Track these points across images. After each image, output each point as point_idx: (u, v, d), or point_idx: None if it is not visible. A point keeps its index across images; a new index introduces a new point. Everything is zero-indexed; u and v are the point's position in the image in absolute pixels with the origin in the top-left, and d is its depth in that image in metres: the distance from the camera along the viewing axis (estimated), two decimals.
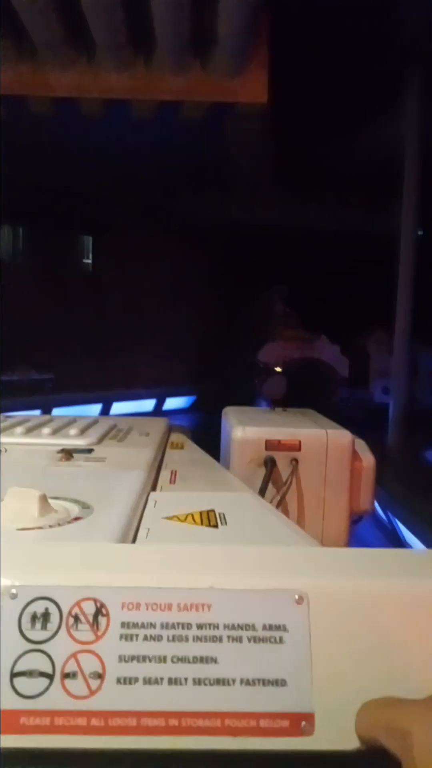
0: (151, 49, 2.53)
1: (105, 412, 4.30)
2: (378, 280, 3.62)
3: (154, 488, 0.62)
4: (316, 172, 4.32)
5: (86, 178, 4.28)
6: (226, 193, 4.64)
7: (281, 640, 0.33)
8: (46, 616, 0.32)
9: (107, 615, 0.32)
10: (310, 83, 3.08)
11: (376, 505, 2.33)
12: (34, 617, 0.32)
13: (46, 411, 3.76)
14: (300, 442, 0.80)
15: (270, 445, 0.80)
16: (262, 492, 0.76)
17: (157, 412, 4.75)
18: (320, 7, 2.64)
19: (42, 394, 4.10)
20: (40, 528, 0.42)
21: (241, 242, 4.88)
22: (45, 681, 0.31)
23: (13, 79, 2.52)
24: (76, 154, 3.68)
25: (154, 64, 2.57)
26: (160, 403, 4.85)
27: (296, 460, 0.81)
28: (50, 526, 0.43)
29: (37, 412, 3.84)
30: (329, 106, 3.38)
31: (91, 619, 0.32)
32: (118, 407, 4.40)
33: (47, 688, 0.31)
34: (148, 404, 4.75)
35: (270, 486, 0.79)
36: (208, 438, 0.97)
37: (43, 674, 0.31)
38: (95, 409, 4.25)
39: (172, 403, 4.93)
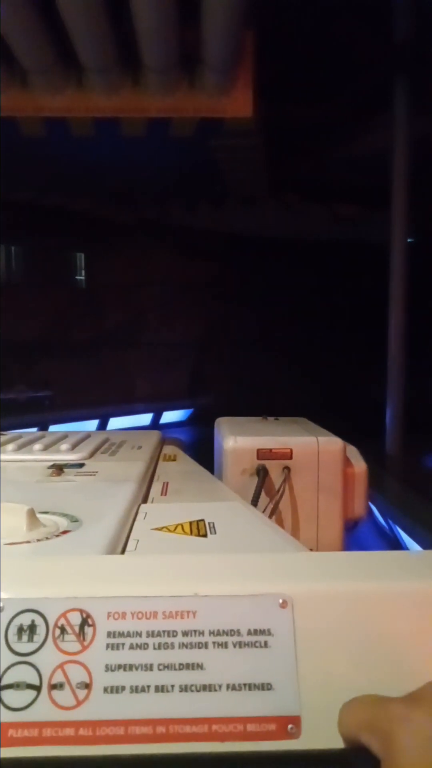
0: (139, 69, 2.58)
1: (102, 427, 4.30)
2: (371, 287, 3.64)
3: (145, 500, 0.62)
4: (306, 183, 4.37)
5: (79, 196, 4.32)
6: (218, 206, 4.68)
7: (266, 645, 0.33)
8: (32, 628, 0.32)
9: (93, 625, 0.33)
10: (297, 95, 3.13)
11: (376, 512, 2.32)
12: (20, 629, 0.32)
13: (44, 428, 3.76)
14: (291, 450, 0.81)
15: (262, 454, 0.81)
16: (254, 501, 0.76)
17: (155, 426, 4.75)
18: (306, 18, 2.69)
19: (39, 411, 4.10)
20: (27, 542, 0.43)
21: (235, 254, 4.91)
22: (32, 693, 0.31)
23: (4, 103, 2.56)
24: (67, 173, 3.72)
25: (141, 84, 2.61)
26: (157, 417, 4.84)
27: (288, 468, 0.81)
28: (38, 540, 0.43)
29: (34, 430, 3.82)
30: (317, 116, 3.43)
31: (77, 629, 0.32)
32: (116, 422, 4.39)
33: (35, 700, 0.31)
34: (146, 418, 4.75)
35: (263, 495, 0.80)
36: (204, 450, 0.98)
37: (30, 686, 0.31)
38: (92, 425, 4.25)
39: (169, 416, 4.93)
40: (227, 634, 0.33)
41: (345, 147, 3.73)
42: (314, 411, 1.12)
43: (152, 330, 4.94)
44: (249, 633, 0.33)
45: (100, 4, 2.20)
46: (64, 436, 0.86)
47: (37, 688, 0.31)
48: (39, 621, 0.33)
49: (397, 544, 2.28)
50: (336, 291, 5.02)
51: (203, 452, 0.96)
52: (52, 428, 3.89)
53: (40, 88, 2.60)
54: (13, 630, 0.32)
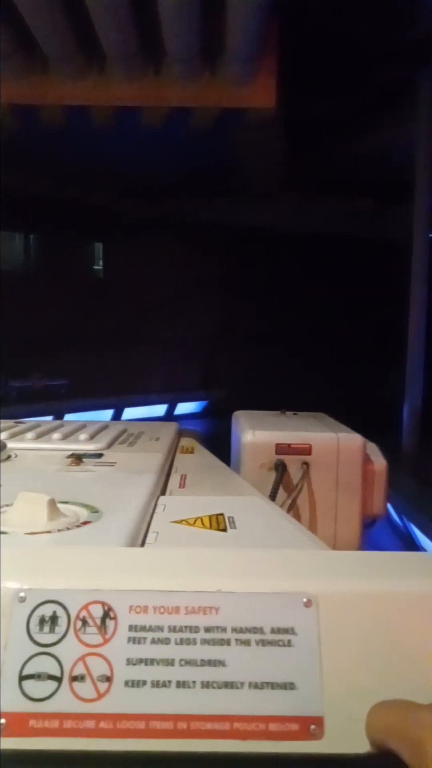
0: (161, 58, 2.56)
1: (117, 417, 4.32)
2: (390, 284, 3.60)
3: (163, 492, 0.62)
4: (325, 176, 4.31)
5: (97, 185, 4.31)
6: (237, 198, 4.65)
7: (290, 644, 0.32)
8: (54, 619, 0.32)
9: (115, 618, 0.32)
10: (319, 87, 3.09)
11: (391, 509, 2.31)
12: (42, 620, 0.32)
13: (59, 417, 3.80)
14: (311, 445, 0.80)
15: (280, 448, 0.80)
16: (272, 496, 0.76)
17: (169, 417, 4.76)
18: (329, 10, 2.65)
19: (56, 400, 4.13)
20: (48, 532, 0.43)
21: (252, 247, 4.88)
22: (53, 684, 0.31)
23: (25, 90, 2.56)
24: (87, 162, 3.72)
25: (163, 72, 2.59)
26: (171, 408, 4.85)
27: (307, 464, 0.80)
28: (59, 530, 0.43)
29: (50, 418, 3.87)
30: (339, 109, 3.38)
31: (98, 622, 0.32)
32: (130, 412, 4.41)
33: (56, 691, 0.31)
34: (160, 409, 4.76)
35: (281, 490, 0.79)
36: (219, 442, 0.98)
37: (51, 677, 0.31)
38: (107, 414, 4.27)
39: (183, 408, 4.94)
40: (250, 632, 0.32)
41: (366, 140, 3.68)
42: (328, 406, 1.11)
43: (168, 323, 4.93)
44: (272, 631, 0.33)
45: None
46: (83, 426, 0.86)
47: (59, 680, 0.31)
48: (61, 612, 0.32)
49: (411, 542, 2.26)
50: (353, 286, 4.97)
51: (218, 444, 0.96)
52: (68, 417, 3.92)
53: (61, 75, 2.59)
54: (35, 621, 0.32)
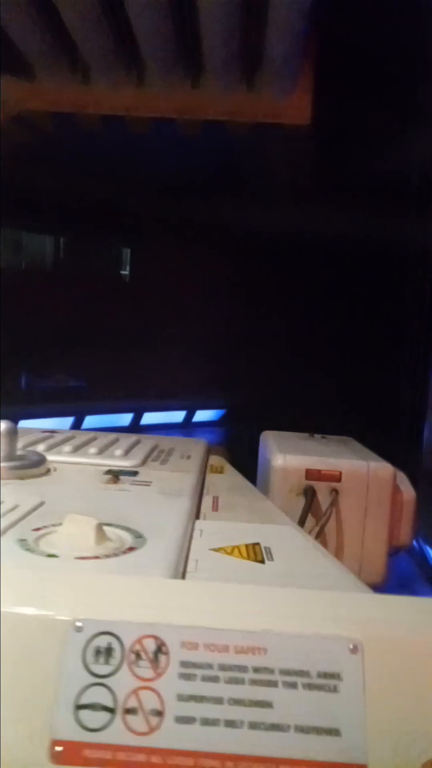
0: (199, 70, 2.59)
1: (136, 421, 4.35)
2: (415, 293, 3.57)
3: (197, 515, 0.63)
4: (353, 183, 4.32)
5: (126, 190, 4.36)
6: (264, 203, 4.67)
7: (335, 689, 0.33)
8: (109, 650, 0.33)
9: (167, 653, 0.33)
10: (350, 95, 3.09)
11: None
12: (97, 651, 0.33)
13: (80, 418, 3.82)
14: (341, 472, 0.81)
15: (310, 474, 0.81)
16: (301, 522, 0.76)
17: (187, 423, 4.78)
18: (364, 20, 2.65)
19: (77, 401, 4.17)
20: (96, 557, 0.44)
21: (278, 253, 4.88)
22: (107, 715, 0.32)
23: (64, 97, 2.61)
24: (120, 169, 3.76)
25: (201, 85, 2.62)
26: (190, 414, 4.87)
27: (336, 491, 0.81)
28: (106, 556, 0.44)
29: (71, 419, 3.90)
30: (370, 117, 3.38)
31: (151, 656, 0.33)
32: (149, 417, 4.44)
33: (109, 723, 0.32)
34: (178, 415, 4.78)
35: (309, 516, 0.80)
36: (239, 453, 0.99)
37: (105, 708, 0.32)
38: (127, 418, 4.30)
39: (201, 415, 4.95)
40: (297, 675, 0.33)
41: (397, 150, 3.67)
42: (348, 419, 1.11)
43: (189, 327, 4.96)
44: (318, 675, 0.33)
45: (166, 2, 2.21)
46: (116, 440, 0.88)
47: (112, 711, 0.32)
48: (115, 644, 0.33)
49: (426, 565, 2.24)
50: (379, 296, 4.94)
51: (238, 455, 0.97)
52: (88, 419, 3.96)
53: (101, 85, 2.63)
54: (90, 651, 0.33)
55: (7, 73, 2.31)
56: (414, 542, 2.45)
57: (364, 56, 2.64)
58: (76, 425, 3.99)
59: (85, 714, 0.32)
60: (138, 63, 2.57)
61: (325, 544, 0.79)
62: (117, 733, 0.32)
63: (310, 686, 0.33)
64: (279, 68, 2.44)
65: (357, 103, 2.90)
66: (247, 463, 0.96)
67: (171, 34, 2.40)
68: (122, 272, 4.92)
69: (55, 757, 0.31)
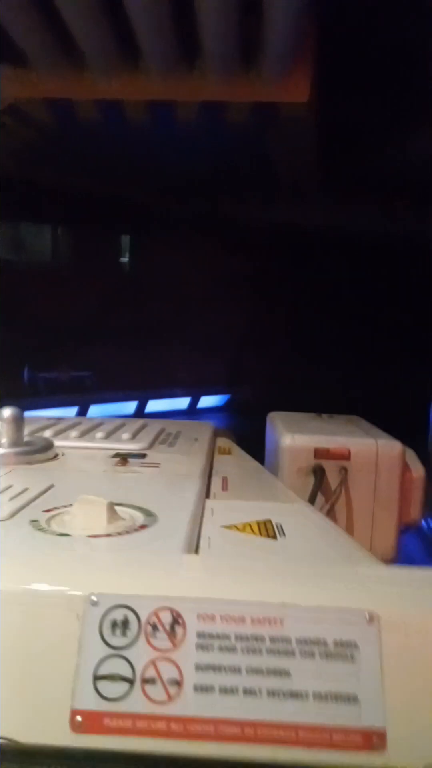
0: (196, 53, 2.55)
1: (141, 409, 4.36)
2: (421, 285, 3.56)
3: (207, 495, 0.63)
4: (359, 176, 4.27)
5: (128, 180, 4.33)
6: (268, 195, 4.63)
7: (352, 658, 0.33)
8: (125, 623, 0.34)
9: (183, 625, 0.34)
10: (356, 85, 3.05)
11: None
12: (114, 624, 0.34)
13: (85, 408, 3.84)
14: (350, 451, 0.81)
15: (319, 453, 0.81)
16: (311, 501, 0.76)
17: (192, 410, 4.79)
18: (368, 7, 2.61)
19: (82, 391, 4.19)
20: (109, 535, 0.44)
21: (283, 246, 4.86)
22: (126, 685, 0.32)
23: (61, 85, 2.58)
24: (119, 157, 3.73)
25: (198, 68, 2.59)
26: (194, 401, 4.88)
27: (345, 469, 0.81)
28: (119, 534, 0.44)
29: (76, 409, 3.92)
30: (375, 108, 3.34)
31: (168, 628, 0.34)
32: (153, 405, 4.45)
33: (128, 692, 0.32)
34: (183, 402, 4.78)
35: (318, 494, 0.80)
36: (246, 438, 0.99)
37: (124, 678, 0.33)
38: (131, 406, 4.31)
39: (206, 401, 4.96)
40: (314, 644, 0.34)
41: (402, 142, 3.62)
42: (354, 406, 1.11)
43: (193, 318, 4.95)
44: (335, 645, 0.34)
45: None
46: (123, 424, 0.88)
47: (131, 681, 0.32)
48: (131, 617, 0.34)
49: None
50: (383, 288, 4.93)
51: (245, 440, 0.97)
52: (93, 408, 3.96)
53: (97, 71, 2.60)
54: (107, 624, 0.33)
55: (2, 63, 2.29)
56: (423, 522, 2.45)
57: (363, 37, 2.60)
58: (81, 415, 4.00)
59: (104, 684, 0.32)
60: (133, 48, 2.54)
61: (335, 522, 0.79)
62: (136, 703, 0.32)
63: (327, 655, 0.33)
64: (277, 49, 2.41)
65: (357, 91, 2.86)
66: (254, 446, 0.96)
67: (167, 19, 2.37)
68: (125, 264, 4.88)
69: (76, 727, 0.31)
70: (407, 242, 4.65)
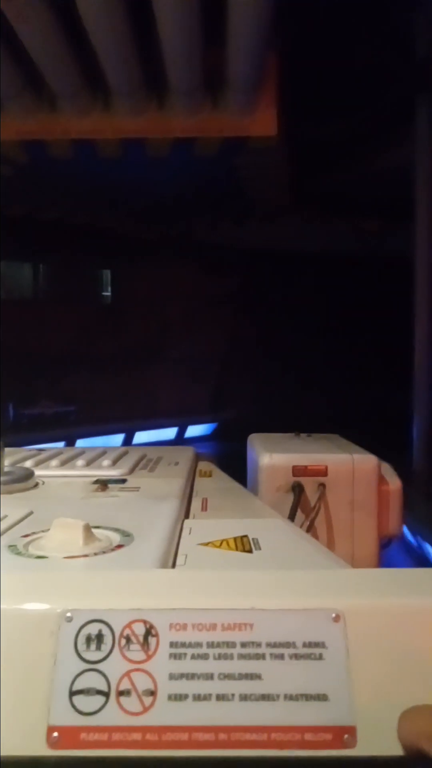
0: (164, 91, 2.64)
1: (128, 441, 4.35)
2: (396, 302, 3.64)
3: (187, 516, 0.64)
4: (329, 197, 4.39)
5: (105, 214, 4.41)
6: (241, 222, 4.73)
7: (321, 657, 0.34)
8: (99, 637, 0.34)
9: (156, 635, 0.34)
10: (320, 110, 3.16)
11: (405, 529, 2.30)
12: (89, 639, 0.34)
13: (70, 442, 3.81)
14: (326, 467, 0.82)
15: (297, 470, 0.82)
16: (291, 517, 0.78)
17: (179, 440, 4.78)
18: (327, 35, 2.73)
19: (66, 426, 4.17)
20: (85, 556, 0.45)
21: (257, 270, 4.95)
22: (102, 699, 0.33)
23: (33, 126, 2.65)
24: (94, 192, 3.81)
25: (167, 105, 2.68)
26: (181, 431, 4.88)
27: (323, 485, 0.82)
28: (95, 554, 0.45)
29: (61, 444, 3.90)
30: (340, 131, 3.46)
31: (141, 639, 0.34)
32: (141, 437, 4.44)
33: (104, 706, 0.33)
34: (170, 432, 4.78)
35: (299, 511, 0.81)
36: (232, 465, 1.00)
37: (99, 692, 0.33)
38: (118, 439, 4.30)
39: (193, 430, 4.96)
40: (283, 646, 0.35)
41: (367, 162, 3.75)
42: (338, 426, 1.13)
43: (175, 345, 4.99)
44: (304, 645, 0.35)
45: (127, 28, 2.27)
46: (104, 452, 0.89)
47: (106, 695, 0.33)
48: (106, 631, 0.35)
49: (425, 561, 2.25)
50: (359, 306, 5.02)
51: (231, 467, 0.98)
52: (79, 442, 3.95)
53: (68, 111, 2.68)
54: (82, 639, 0.34)
55: None
56: (413, 540, 2.45)
57: (326, 68, 2.71)
58: None
59: (79, 699, 0.33)
60: (103, 88, 2.63)
61: (316, 537, 0.80)
62: (112, 715, 0.33)
63: (296, 656, 0.34)
64: (241, 83, 2.50)
65: (322, 114, 2.98)
66: (241, 469, 0.97)
67: (135, 59, 2.47)
68: (104, 294, 4.91)
69: (53, 743, 0.32)
70: (384, 260, 4.77)
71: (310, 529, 0.80)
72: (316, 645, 0.35)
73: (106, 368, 4.58)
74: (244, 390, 4.99)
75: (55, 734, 0.32)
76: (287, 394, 4.62)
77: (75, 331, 4.58)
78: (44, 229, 4.23)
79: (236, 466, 0.99)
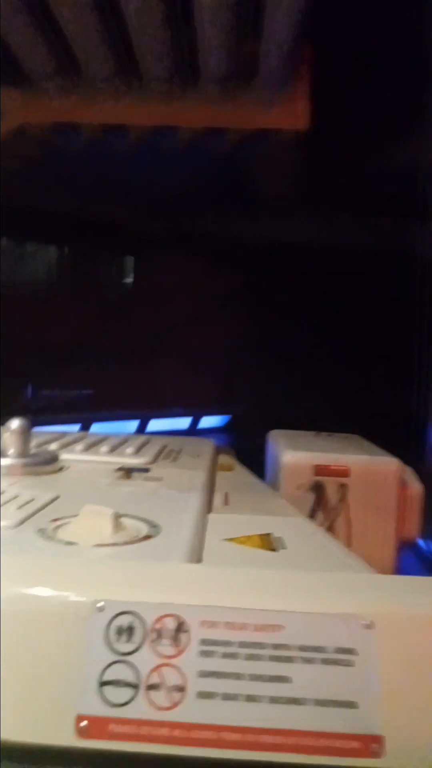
0: (196, 78, 2.62)
1: (142, 429, 4.37)
2: (408, 299, 3.59)
3: (209, 509, 0.64)
4: (345, 193, 4.34)
5: (128, 201, 4.40)
6: (253, 216, 4.70)
7: (351, 664, 0.34)
8: (130, 629, 0.34)
9: (188, 632, 0.34)
10: (343, 104, 3.11)
11: None
12: (120, 630, 0.34)
13: (86, 426, 3.84)
14: (349, 468, 0.82)
15: (319, 470, 0.82)
16: (311, 517, 0.77)
17: (193, 430, 4.80)
18: (359, 25, 2.67)
19: (81, 410, 4.20)
20: (114, 545, 0.45)
21: (276, 263, 4.91)
22: (131, 691, 0.33)
23: (65, 108, 2.64)
24: (122, 182, 3.80)
25: (199, 93, 2.66)
26: (195, 421, 4.88)
27: (344, 486, 0.82)
28: (124, 543, 0.45)
29: (77, 427, 3.92)
30: (356, 127, 3.40)
31: (172, 634, 0.34)
32: (154, 425, 4.46)
33: (133, 698, 0.33)
34: (183, 422, 4.79)
35: (318, 511, 0.81)
36: (247, 459, 0.99)
37: (128, 684, 0.33)
38: (133, 425, 4.31)
39: (207, 421, 4.96)
40: (314, 651, 0.34)
41: (384, 158, 3.69)
42: (352, 424, 1.12)
43: (192, 337, 4.98)
44: (334, 651, 0.34)
45: (164, 13, 2.24)
46: (126, 440, 0.89)
47: (135, 687, 0.33)
48: (137, 624, 0.35)
49: None
50: (376, 302, 4.96)
51: (245, 461, 0.98)
52: (94, 427, 3.97)
53: (101, 95, 2.67)
54: (113, 630, 0.34)
55: (8, 86, 2.35)
56: (422, 543, 2.43)
57: (360, 61, 2.66)
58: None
59: (109, 690, 0.33)
60: (137, 73, 2.60)
61: (335, 537, 0.80)
62: (140, 708, 0.33)
63: (326, 661, 0.34)
64: (275, 76, 2.47)
65: (356, 108, 2.93)
66: (253, 464, 0.97)
67: (169, 45, 2.44)
68: (126, 282, 4.92)
69: (81, 732, 0.32)
70: (398, 257, 4.70)
71: (330, 529, 0.79)
72: (347, 651, 0.34)
73: (124, 356, 4.59)
74: (258, 384, 4.97)
75: (84, 723, 0.32)
76: (301, 390, 4.60)
77: (94, 319, 4.59)
78: (66, 216, 4.23)
79: (252, 460, 0.99)
